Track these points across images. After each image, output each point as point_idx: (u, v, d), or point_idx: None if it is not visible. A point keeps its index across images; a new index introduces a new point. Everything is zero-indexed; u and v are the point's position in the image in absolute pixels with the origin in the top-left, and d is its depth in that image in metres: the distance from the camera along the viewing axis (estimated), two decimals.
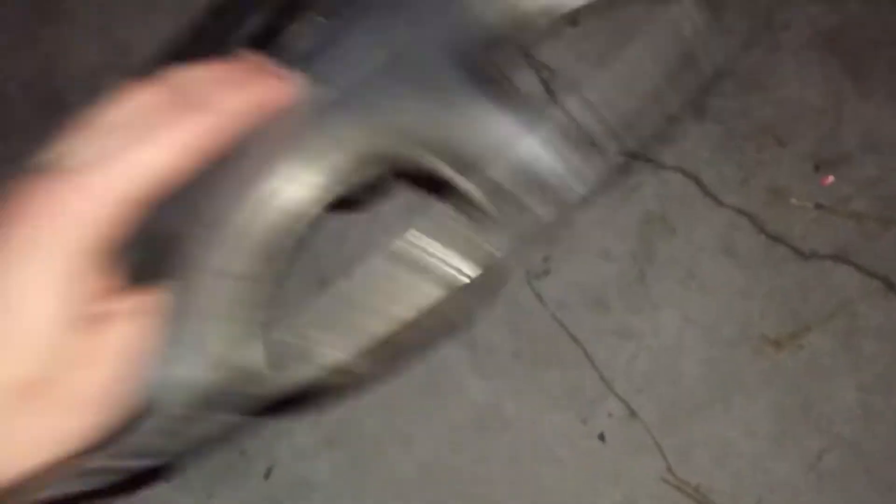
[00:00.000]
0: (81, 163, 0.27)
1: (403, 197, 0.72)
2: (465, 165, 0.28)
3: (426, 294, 0.29)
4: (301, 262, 0.72)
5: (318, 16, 0.32)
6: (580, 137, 0.28)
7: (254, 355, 0.29)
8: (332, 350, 0.29)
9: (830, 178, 0.83)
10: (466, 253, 0.29)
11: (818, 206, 0.81)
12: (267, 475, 0.77)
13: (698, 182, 0.82)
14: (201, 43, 0.36)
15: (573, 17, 0.31)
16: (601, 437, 0.73)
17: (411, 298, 0.29)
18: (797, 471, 0.69)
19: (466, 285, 0.29)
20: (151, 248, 0.28)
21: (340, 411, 0.75)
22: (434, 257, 0.29)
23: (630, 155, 0.82)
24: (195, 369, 0.29)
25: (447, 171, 0.29)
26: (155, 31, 0.89)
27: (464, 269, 0.29)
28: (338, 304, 0.30)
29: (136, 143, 0.28)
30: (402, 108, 0.28)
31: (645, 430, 0.73)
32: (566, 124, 0.29)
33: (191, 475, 0.74)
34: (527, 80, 0.82)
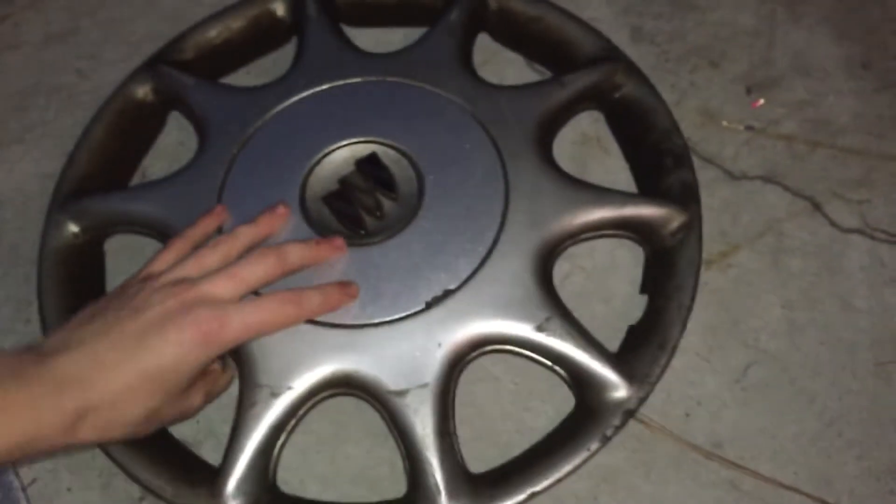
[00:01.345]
0: (227, 302, 0.61)
1: None
2: None
3: None
4: None
5: None
6: None
7: None
8: None
9: (761, 101, 0.83)
10: None
11: (748, 129, 0.82)
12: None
13: None
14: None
15: None
16: None
17: None
18: (724, 385, 0.70)
19: None
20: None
21: None
22: None
23: None
24: None
25: None
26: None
27: None
28: None
29: (258, 306, 0.62)
30: None
31: None
32: None
33: None
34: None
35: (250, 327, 0.61)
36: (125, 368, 0.55)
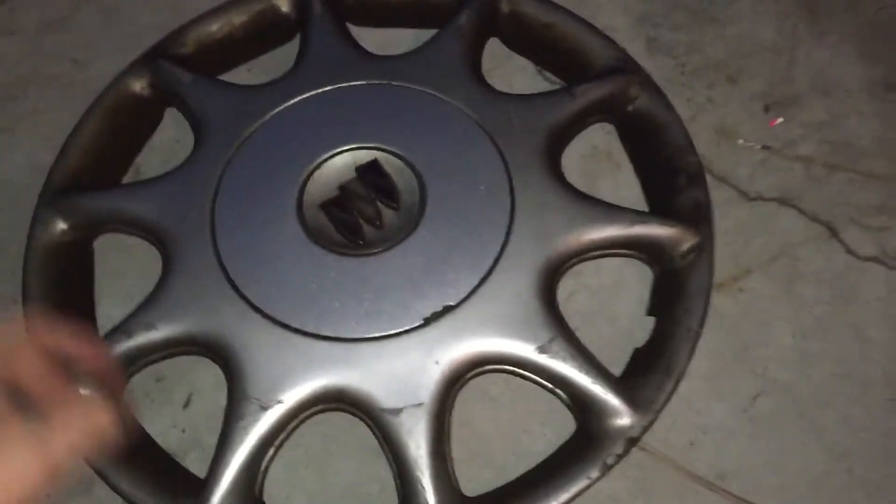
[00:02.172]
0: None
1: None
2: None
3: None
4: None
5: None
6: None
7: None
8: None
9: (779, 120, 0.81)
10: None
11: (765, 148, 0.79)
12: (186, 404, 0.73)
13: None
14: None
15: None
16: None
17: None
18: (731, 414, 0.68)
19: None
20: None
21: None
22: None
23: None
24: None
25: None
26: None
27: None
28: None
29: None
30: None
31: None
32: None
33: None
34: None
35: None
36: None
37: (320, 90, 0.77)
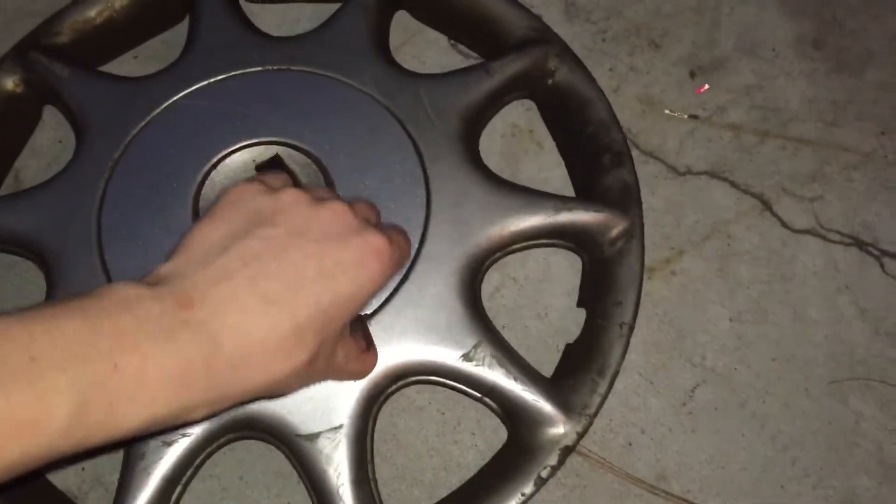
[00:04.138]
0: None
1: None
2: None
3: None
4: None
5: None
6: None
7: None
8: None
9: (706, 86, 0.76)
10: None
11: (693, 117, 0.75)
12: None
13: None
14: None
15: None
16: None
17: None
18: (669, 409, 0.64)
19: None
20: None
21: None
22: None
23: None
24: None
25: None
26: None
27: None
28: None
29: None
30: None
31: None
32: None
33: None
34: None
35: (401, 255, 0.53)
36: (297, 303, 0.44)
37: (212, 80, 0.70)
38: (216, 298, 0.42)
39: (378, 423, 0.62)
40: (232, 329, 0.41)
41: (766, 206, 0.71)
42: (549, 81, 0.72)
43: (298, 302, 0.44)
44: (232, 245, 0.45)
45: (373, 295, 0.49)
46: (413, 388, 0.65)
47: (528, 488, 0.58)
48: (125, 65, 0.79)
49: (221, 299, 0.42)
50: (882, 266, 0.69)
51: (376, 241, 0.48)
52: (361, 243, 0.47)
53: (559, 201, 0.66)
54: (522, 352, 0.63)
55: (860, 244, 0.70)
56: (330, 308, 0.45)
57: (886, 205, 0.71)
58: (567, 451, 0.59)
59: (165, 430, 0.41)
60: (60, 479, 0.64)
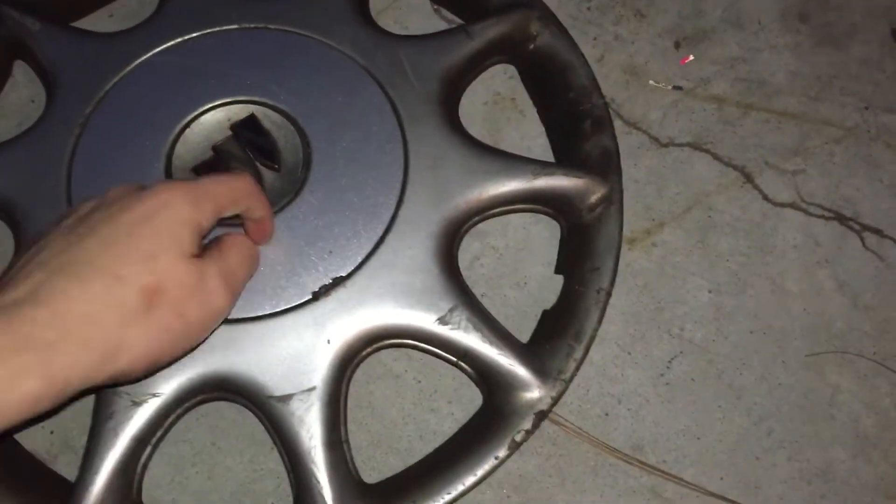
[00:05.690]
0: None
1: None
2: None
3: None
4: None
5: None
6: None
7: None
8: None
9: (690, 57, 0.75)
10: None
11: (677, 89, 0.74)
12: None
13: None
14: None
15: None
16: None
17: None
18: (646, 380, 0.64)
19: None
20: None
21: None
22: None
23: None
24: None
25: None
26: None
27: None
28: None
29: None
30: None
31: None
32: None
33: None
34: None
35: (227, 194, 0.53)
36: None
37: (188, 37, 0.69)
38: (30, 282, 0.44)
39: (354, 390, 0.62)
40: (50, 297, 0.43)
41: (748, 178, 0.71)
42: (531, 46, 0.71)
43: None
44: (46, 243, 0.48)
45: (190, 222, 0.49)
46: (390, 355, 0.65)
47: (503, 451, 0.58)
48: (100, 22, 0.77)
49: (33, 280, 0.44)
50: (862, 240, 0.69)
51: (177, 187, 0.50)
52: (159, 192, 0.49)
53: (538, 166, 0.65)
54: (501, 320, 0.62)
55: (841, 218, 0.69)
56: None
57: (868, 179, 0.71)
58: (542, 416, 0.59)
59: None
60: (30, 443, 0.62)
